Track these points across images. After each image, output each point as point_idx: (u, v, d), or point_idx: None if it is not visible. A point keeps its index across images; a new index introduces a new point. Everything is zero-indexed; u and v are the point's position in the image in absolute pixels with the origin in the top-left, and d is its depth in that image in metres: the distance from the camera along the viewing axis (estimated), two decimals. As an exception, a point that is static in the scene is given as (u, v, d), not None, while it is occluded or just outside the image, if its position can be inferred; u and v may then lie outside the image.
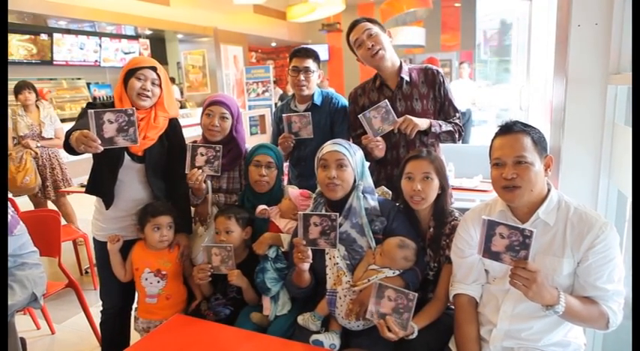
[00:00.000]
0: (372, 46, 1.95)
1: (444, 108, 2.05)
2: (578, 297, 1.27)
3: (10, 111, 3.77)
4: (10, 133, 3.75)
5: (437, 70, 2.04)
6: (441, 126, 1.96)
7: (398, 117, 1.98)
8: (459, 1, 11.79)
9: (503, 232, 1.19)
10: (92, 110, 1.57)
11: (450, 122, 2.01)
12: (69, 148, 1.67)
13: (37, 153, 3.75)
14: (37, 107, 3.85)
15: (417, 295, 1.34)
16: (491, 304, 1.43)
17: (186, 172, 1.82)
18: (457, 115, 2.05)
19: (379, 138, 1.90)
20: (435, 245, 1.62)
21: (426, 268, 1.64)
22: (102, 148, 1.59)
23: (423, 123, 1.90)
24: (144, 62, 1.85)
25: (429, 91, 2.03)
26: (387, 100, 1.88)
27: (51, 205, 3.96)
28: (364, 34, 1.96)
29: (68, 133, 1.67)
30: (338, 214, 1.50)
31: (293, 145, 2.16)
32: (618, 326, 1.29)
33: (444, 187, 1.63)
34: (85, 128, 1.62)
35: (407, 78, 2.03)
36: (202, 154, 1.81)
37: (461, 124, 2.04)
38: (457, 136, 2.02)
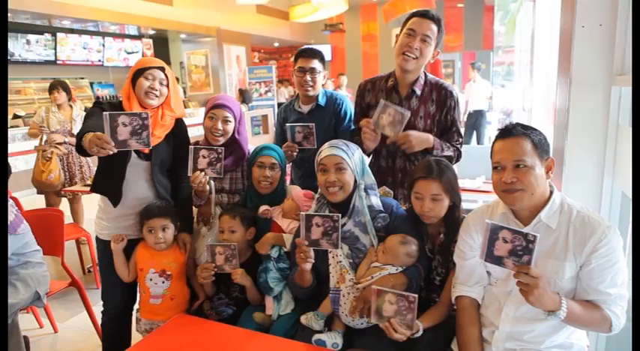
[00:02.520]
0: (414, 49, 1.84)
1: (448, 131, 1.99)
2: (580, 301, 1.27)
3: (44, 107, 3.95)
4: (37, 127, 3.85)
5: (451, 92, 1.96)
6: (443, 150, 1.91)
7: None
8: (462, 1, 11.78)
9: (507, 237, 1.19)
10: (107, 113, 1.58)
11: (452, 146, 1.97)
12: (81, 150, 1.67)
13: (62, 151, 3.81)
14: (71, 106, 4.00)
15: (417, 296, 1.34)
16: (493, 306, 1.43)
17: (188, 174, 1.82)
18: (460, 140, 1.99)
19: (370, 133, 1.83)
20: (445, 251, 1.61)
21: (430, 266, 1.64)
22: (115, 151, 1.59)
23: (422, 144, 1.85)
24: (152, 62, 1.86)
25: (436, 112, 1.96)
26: (409, 113, 1.79)
27: (64, 203, 3.97)
28: (421, 35, 1.84)
29: (80, 135, 1.67)
30: (340, 214, 1.50)
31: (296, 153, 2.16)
32: (621, 328, 1.29)
33: (455, 202, 1.61)
34: (95, 130, 1.62)
35: (418, 92, 1.95)
36: (204, 157, 1.81)
37: (461, 150, 1.99)
38: (454, 161, 1.97)
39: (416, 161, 1.98)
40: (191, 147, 1.83)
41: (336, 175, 1.60)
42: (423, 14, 1.86)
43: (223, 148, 1.85)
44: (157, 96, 1.84)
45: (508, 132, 1.32)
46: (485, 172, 3.19)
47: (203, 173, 1.81)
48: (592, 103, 1.76)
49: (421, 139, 1.85)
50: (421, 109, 1.96)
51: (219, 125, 1.94)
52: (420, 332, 1.38)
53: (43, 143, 3.83)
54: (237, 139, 2.02)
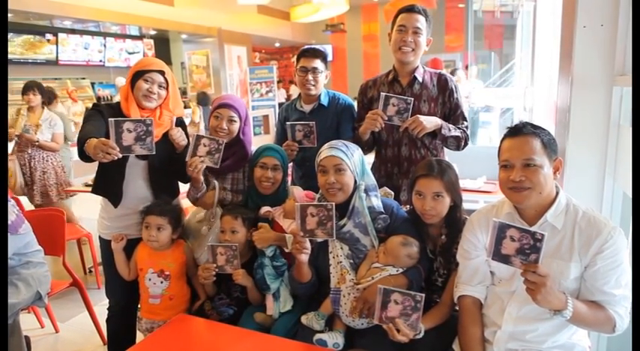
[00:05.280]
0: (409, 42, 1.96)
1: (453, 115, 2.05)
2: (585, 301, 1.26)
3: (15, 109, 3.78)
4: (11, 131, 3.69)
5: (450, 78, 2.07)
6: (450, 129, 1.97)
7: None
8: (464, 1, 11.77)
9: (514, 235, 1.18)
10: (112, 119, 1.60)
11: (459, 128, 2.02)
12: (84, 156, 1.68)
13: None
14: (42, 108, 3.78)
15: (424, 295, 1.34)
16: (495, 306, 1.42)
17: (186, 159, 1.83)
18: (465, 124, 2.05)
19: (381, 123, 1.89)
20: (446, 253, 1.61)
21: (431, 267, 1.64)
22: (120, 156, 1.61)
23: (432, 124, 1.90)
24: (152, 65, 1.87)
25: (439, 96, 2.05)
26: (413, 99, 1.89)
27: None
28: (411, 28, 1.96)
29: (81, 141, 1.67)
30: (334, 203, 1.51)
31: (297, 151, 2.17)
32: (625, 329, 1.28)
33: (456, 202, 1.61)
34: (94, 135, 1.65)
35: (420, 78, 2.05)
36: (205, 145, 1.83)
37: (468, 133, 2.04)
38: (463, 143, 2.02)
39: (422, 149, 2.05)
40: (194, 134, 1.85)
41: (335, 177, 1.60)
42: (409, 9, 1.98)
43: (224, 140, 1.85)
44: (154, 99, 1.85)
45: (518, 130, 1.32)
46: (486, 172, 3.18)
47: (200, 159, 1.82)
48: (593, 103, 1.76)
49: (429, 119, 1.91)
50: (424, 93, 2.04)
51: (225, 125, 1.95)
52: (422, 334, 1.38)
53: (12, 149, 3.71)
54: (242, 139, 2.03)
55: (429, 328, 1.44)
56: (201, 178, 1.90)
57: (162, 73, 1.86)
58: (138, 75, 1.84)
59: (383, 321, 1.37)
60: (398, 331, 1.33)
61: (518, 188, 1.29)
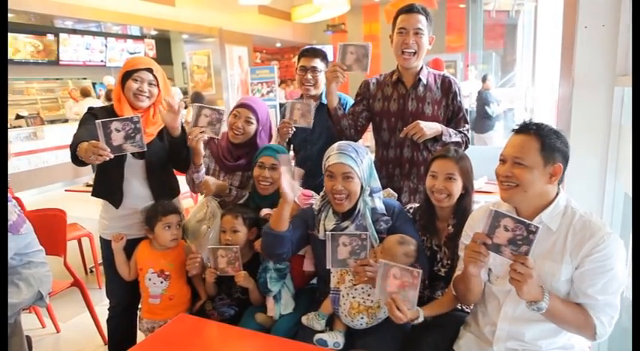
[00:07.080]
0: (411, 44, 1.94)
1: (456, 118, 2.06)
2: (566, 300, 1.26)
3: None
4: None
5: (454, 80, 2.06)
6: (451, 136, 1.96)
7: (405, 115, 2.00)
8: (465, 1, 11.75)
9: (508, 225, 1.18)
10: (99, 121, 1.61)
11: (460, 132, 2.02)
12: (77, 160, 1.69)
13: None
14: None
15: (421, 271, 1.35)
16: (492, 304, 1.43)
17: (188, 130, 1.86)
18: (467, 126, 2.06)
19: (342, 73, 1.93)
20: (452, 243, 1.62)
21: (435, 259, 1.65)
22: (112, 156, 1.62)
23: (432, 131, 1.89)
24: (140, 64, 1.87)
25: (442, 98, 2.04)
26: (370, 44, 1.89)
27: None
28: (412, 30, 1.93)
29: (74, 145, 1.69)
30: (368, 233, 1.50)
31: (298, 140, 2.15)
32: (624, 330, 1.28)
33: (467, 189, 1.62)
34: (86, 138, 1.66)
35: (424, 80, 2.03)
36: (206, 116, 1.85)
37: (469, 136, 2.05)
38: (463, 147, 2.02)
39: (424, 151, 2.04)
40: (196, 105, 1.87)
41: (342, 184, 1.59)
42: (408, 10, 1.95)
43: (224, 109, 1.88)
44: (147, 97, 1.86)
45: (522, 128, 1.33)
46: (487, 172, 3.18)
47: (200, 129, 1.84)
48: (594, 104, 1.76)
49: (430, 125, 1.91)
50: (428, 95, 2.03)
51: (240, 124, 1.98)
52: (421, 319, 1.39)
53: None
54: (256, 142, 2.04)
55: (430, 328, 1.44)
56: (201, 149, 1.90)
57: (150, 70, 1.86)
58: (127, 75, 1.84)
59: (383, 293, 1.39)
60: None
61: (505, 183, 1.30)
